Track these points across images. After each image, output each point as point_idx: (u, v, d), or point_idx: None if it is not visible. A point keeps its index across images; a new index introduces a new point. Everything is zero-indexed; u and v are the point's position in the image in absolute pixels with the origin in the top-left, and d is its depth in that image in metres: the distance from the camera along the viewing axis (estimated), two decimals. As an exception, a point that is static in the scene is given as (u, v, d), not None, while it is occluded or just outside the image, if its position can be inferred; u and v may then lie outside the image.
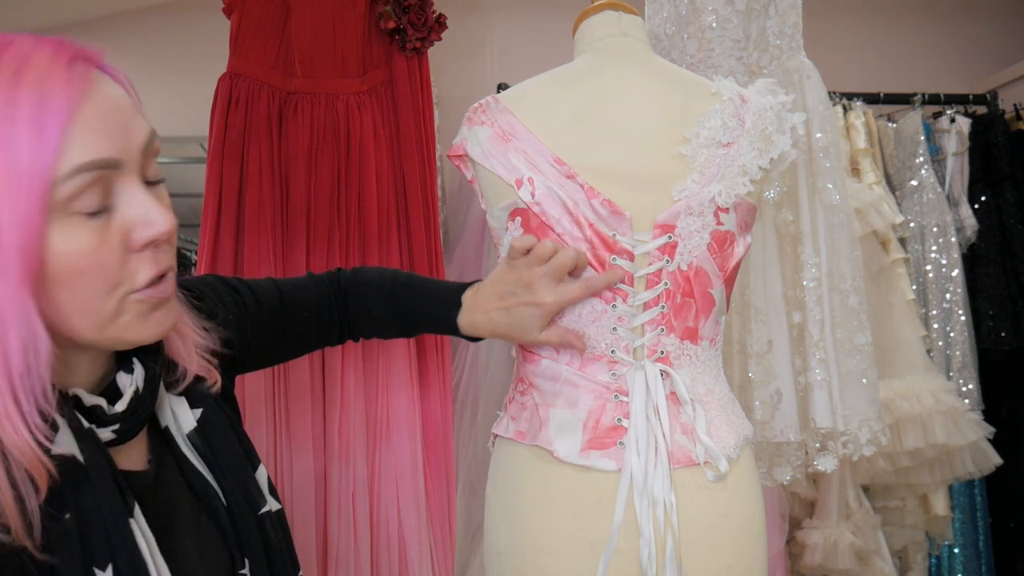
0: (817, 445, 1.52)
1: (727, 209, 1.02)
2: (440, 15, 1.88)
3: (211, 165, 1.75)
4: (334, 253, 1.79)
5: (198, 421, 0.78)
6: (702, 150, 1.03)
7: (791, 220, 1.55)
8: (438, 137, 2.19)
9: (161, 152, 0.71)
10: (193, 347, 0.78)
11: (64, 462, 0.61)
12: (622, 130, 1.03)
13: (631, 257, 1.00)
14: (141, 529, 0.67)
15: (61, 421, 0.63)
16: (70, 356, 0.68)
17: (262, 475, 0.83)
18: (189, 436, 0.77)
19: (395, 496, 1.77)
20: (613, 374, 1.00)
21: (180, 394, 0.77)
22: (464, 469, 2.11)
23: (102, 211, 0.62)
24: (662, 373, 1.00)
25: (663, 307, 1.01)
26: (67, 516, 0.61)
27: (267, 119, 1.79)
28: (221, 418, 0.81)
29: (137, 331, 0.66)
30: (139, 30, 2.54)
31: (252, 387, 1.71)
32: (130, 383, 0.70)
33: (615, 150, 1.02)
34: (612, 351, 1.00)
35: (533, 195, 1.01)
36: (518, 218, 1.03)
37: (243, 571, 0.76)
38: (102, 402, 0.68)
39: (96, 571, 0.61)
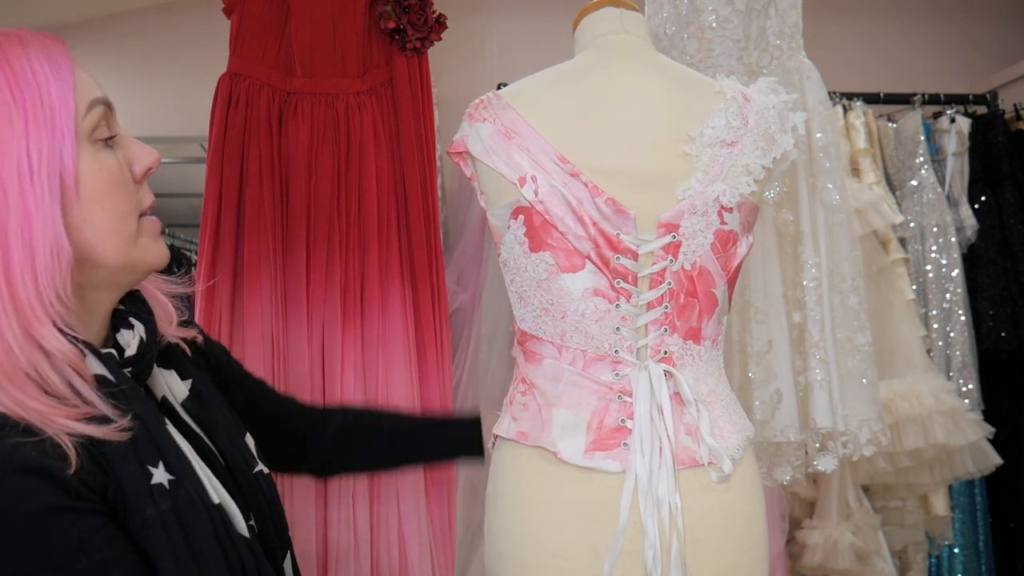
0: (817, 445, 1.51)
1: (731, 209, 1.02)
2: (440, 15, 1.88)
3: (211, 165, 1.75)
4: (334, 253, 1.79)
5: (190, 390, 0.85)
6: (706, 149, 1.03)
7: (791, 220, 1.55)
8: (438, 137, 2.19)
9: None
10: (167, 319, 0.87)
11: (98, 379, 0.69)
12: (626, 128, 1.03)
13: (635, 256, 0.99)
14: (176, 438, 0.75)
15: (85, 349, 0.71)
16: (82, 313, 0.75)
17: (250, 441, 0.90)
18: (184, 404, 0.83)
19: (395, 496, 1.77)
20: (616, 374, 1.00)
21: (170, 368, 0.84)
22: (464, 469, 2.11)
23: (111, 141, 0.74)
24: (666, 373, 1.00)
25: (667, 307, 1.01)
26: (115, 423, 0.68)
27: (267, 119, 1.79)
28: (211, 388, 0.88)
29: (154, 252, 0.77)
30: (139, 30, 2.54)
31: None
32: (133, 335, 0.78)
33: (619, 149, 1.02)
34: (615, 351, 1.00)
35: (536, 193, 1.00)
36: (521, 216, 1.02)
37: (251, 522, 0.81)
38: (113, 352, 0.75)
39: (149, 468, 0.70)
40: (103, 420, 0.67)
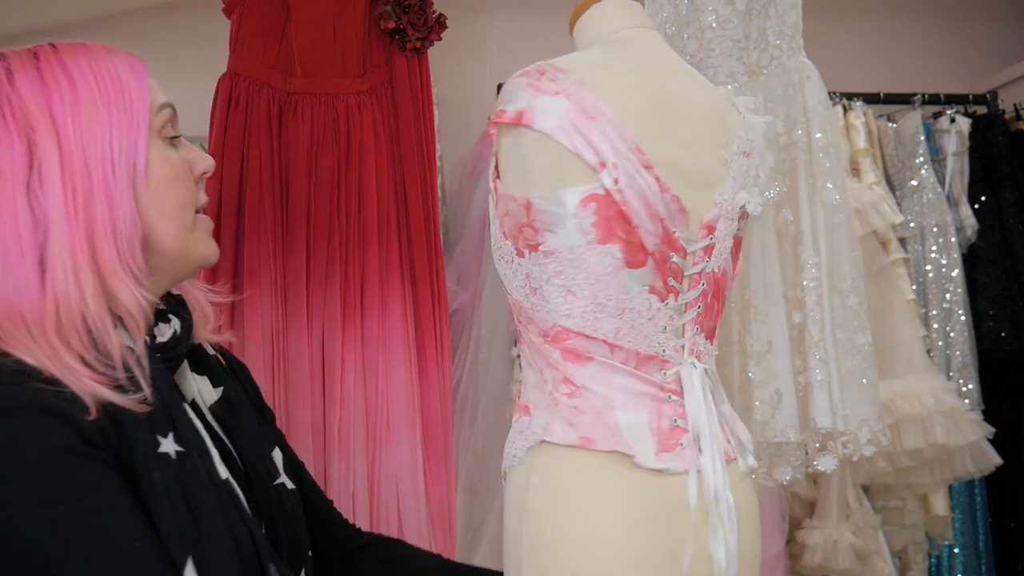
0: (817, 445, 1.51)
1: (744, 216, 1.06)
2: (440, 15, 1.88)
3: (211, 165, 1.75)
4: (334, 253, 1.79)
5: (220, 396, 0.89)
6: (736, 157, 1.06)
7: (791, 220, 1.55)
8: (438, 137, 2.19)
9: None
10: (204, 322, 0.93)
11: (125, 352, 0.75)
12: (681, 126, 1.02)
13: (684, 255, 1.00)
14: (193, 419, 0.80)
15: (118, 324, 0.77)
16: None
17: (277, 456, 0.92)
18: (212, 408, 0.87)
19: (395, 496, 1.77)
20: (664, 373, 0.99)
21: (203, 374, 0.89)
22: (464, 469, 2.11)
23: (175, 140, 0.85)
24: (705, 371, 1.01)
25: (699, 307, 1.02)
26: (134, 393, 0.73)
27: (267, 119, 1.79)
28: (242, 398, 0.92)
29: (206, 246, 0.87)
30: (139, 30, 2.53)
31: (252, 387, 1.71)
32: (169, 328, 0.84)
33: (677, 145, 1.01)
34: (663, 350, 0.99)
35: (617, 181, 0.94)
36: (593, 204, 0.95)
37: (235, 502, 0.82)
38: (147, 338, 0.80)
39: (159, 437, 0.74)
40: (126, 390, 0.72)
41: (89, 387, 0.69)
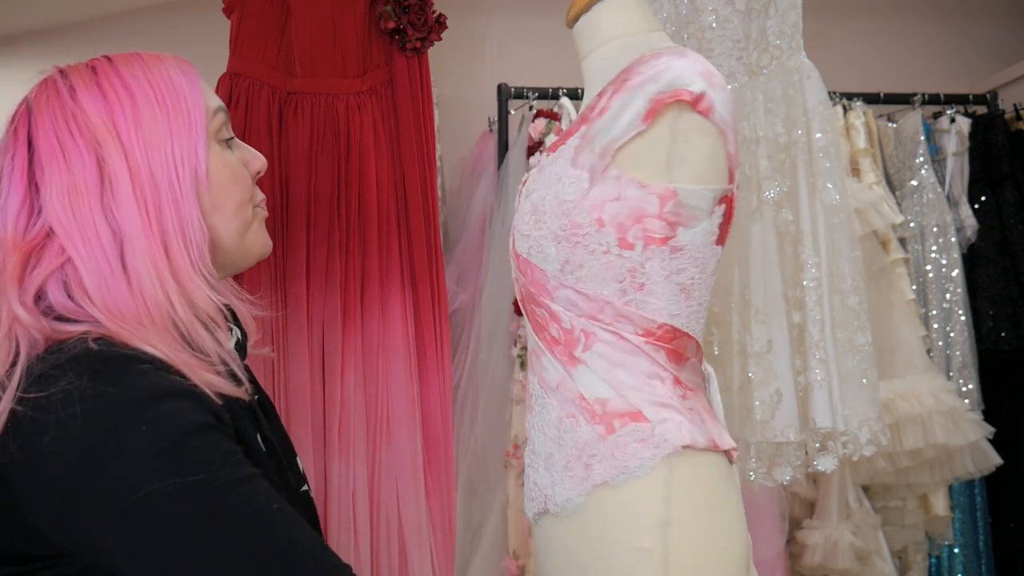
0: (817, 445, 1.52)
1: None
2: (440, 15, 1.88)
3: (211, 165, 1.75)
4: (334, 253, 1.79)
5: (257, 403, 0.89)
6: None
7: (791, 220, 1.55)
8: (438, 137, 2.19)
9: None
10: (249, 335, 0.96)
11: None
12: None
13: None
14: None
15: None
16: None
17: (299, 461, 0.95)
18: None
19: (395, 496, 1.77)
20: (704, 368, 1.03)
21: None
22: (464, 469, 2.11)
23: (230, 141, 0.87)
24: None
25: None
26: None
27: (267, 119, 1.79)
28: (272, 407, 0.95)
29: (262, 240, 0.90)
30: (139, 30, 2.53)
31: (252, 387, 1.71)
32: (232, 337, 0.86)
33: None
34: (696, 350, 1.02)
35: (739, 187, 0.98)
36: (723, 205, 0.95)
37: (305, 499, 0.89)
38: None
39: (255, 433, 0.80)
40: (237, 380, 0.77)
41: (204, 379, 0.74)
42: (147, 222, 0.77)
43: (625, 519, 0.90)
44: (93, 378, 0.69)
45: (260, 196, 0.91)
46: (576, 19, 1.07)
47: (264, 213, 0.92)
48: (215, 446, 0.71)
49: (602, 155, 0.92)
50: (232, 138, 0.88)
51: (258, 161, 0.91)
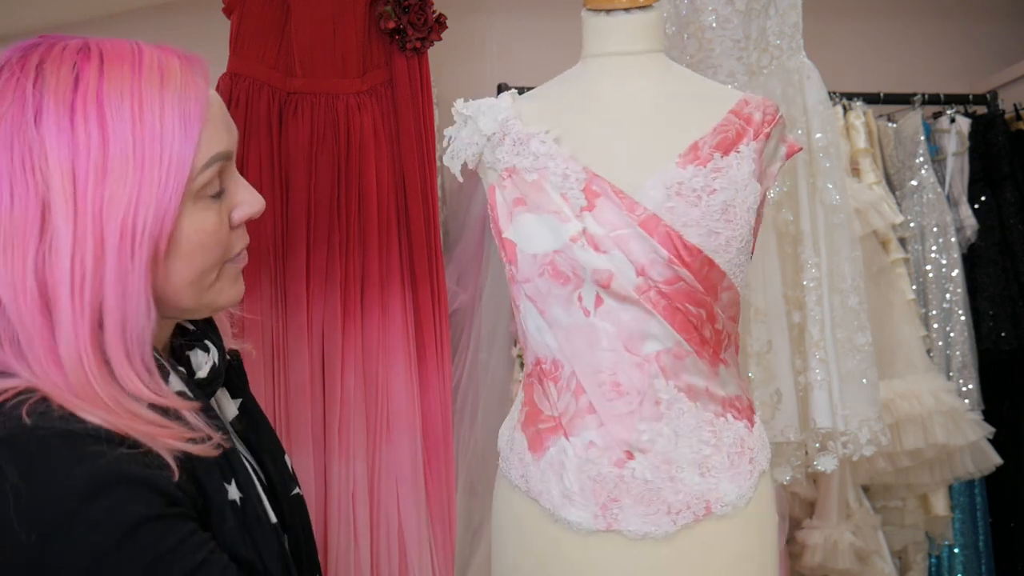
0: (817, 445, 1.52)
1: None
2: (440, 15, 1.88)
3: (211, 165, 1.75)
4: (334, 253, 1.79)
5: (239, 409, 0.86)
6: None
7: (791, 220, 1.55)
8: (438, 137, 2.19)
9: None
10: (225, 332, 0.90)
11: (179, 395, 0.72)
12: None
13: None
14: (243, 456, 0.78)
15: (169, 368, 0.74)
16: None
17: (288, 462, 0.90)
18: (232, 423, 0.85)
19: (395, 496, 1.77)
20: None
21: (223, 386, 0.85)
22: (464, 469, 2.10)
23: (219, 194, 0.74)
24: None
25: None
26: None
27: (267, 119, 1.79)
28: (257, 407, 0.90)
29: (228, 294, 0.78)
30: (139, 30, 2.53)
31: (251, 387, 1.71)
32: (207, 359, 0.80)
33: None
34: None
35: None
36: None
37: (284, 547, 0.82)
38: (182, 371, 0.77)
39: (225, 484, 0.72)
40: (201, 439, 0.69)
41: (166, 444, 0.66)
42: (78, 296, 0.65)
43: (772, 503, 1.02)
44: (25, 473, 0.61)
45: (241, 245, 0.79)
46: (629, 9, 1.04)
47: (240, 264, 0.80)
48: (162, 538, 0.64)
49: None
50: (222, 191, 0.74)
51: (247, 207, 0.77)
